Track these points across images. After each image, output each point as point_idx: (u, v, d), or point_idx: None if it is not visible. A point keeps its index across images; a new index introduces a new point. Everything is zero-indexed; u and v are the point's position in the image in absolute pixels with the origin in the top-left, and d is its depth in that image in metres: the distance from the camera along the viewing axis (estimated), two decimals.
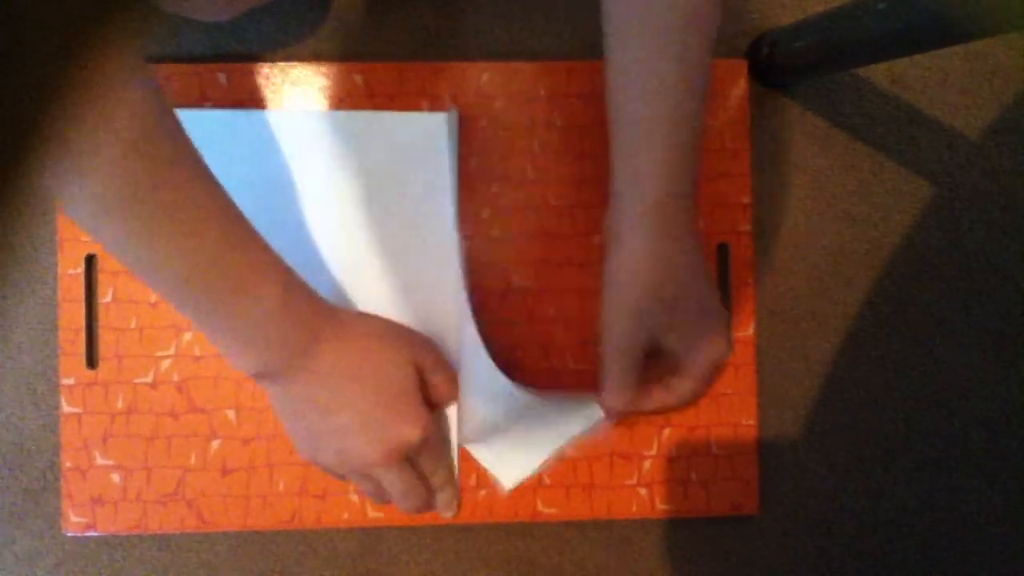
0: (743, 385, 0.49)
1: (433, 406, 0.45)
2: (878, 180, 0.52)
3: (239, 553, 0.49)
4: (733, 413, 0.49)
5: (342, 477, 0.44)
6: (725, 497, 0.49)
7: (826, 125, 0.52)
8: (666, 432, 0.49)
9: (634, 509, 0.48)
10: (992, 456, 0.51)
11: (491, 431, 0.47)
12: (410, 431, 0.41)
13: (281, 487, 0.48)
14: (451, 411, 0.47)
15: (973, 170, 0.52)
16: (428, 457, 0.44)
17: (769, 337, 0.51)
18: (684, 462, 0.49)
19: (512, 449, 0.47)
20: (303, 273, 0.41)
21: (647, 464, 0.49)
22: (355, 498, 0.48)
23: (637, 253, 0.41)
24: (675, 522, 0.50)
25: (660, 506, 0.48)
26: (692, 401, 0.46)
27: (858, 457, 0.51)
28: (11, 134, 0.13)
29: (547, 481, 0.48)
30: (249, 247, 0.38)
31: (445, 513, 0.47)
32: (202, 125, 0.38)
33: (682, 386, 0.44)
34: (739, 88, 0.50)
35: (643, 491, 0.48)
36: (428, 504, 0.45)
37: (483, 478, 0.48)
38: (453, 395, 0.46)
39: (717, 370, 0.45)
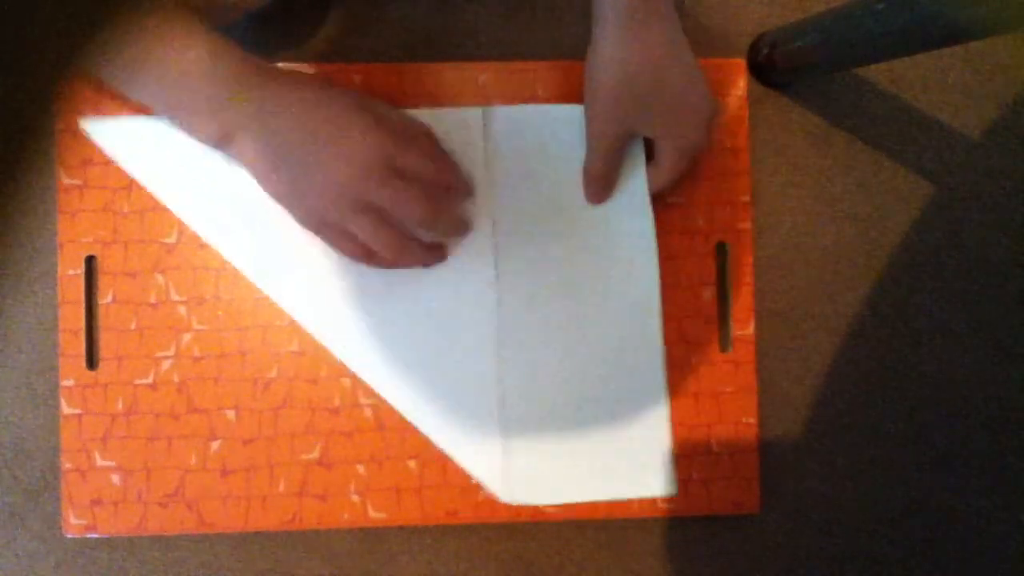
0: (743, 384, 0.49)
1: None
2: (878, 180, 0.52)
3: (239, 553, 0.49)
4: (734, 412, 0.49)
5: (340, 229, 0.44)
6: (726, 496, 0.49)
7: (826, 125, 0.52)
8: None
9: (635, 508, 0.48)
10: (992, 456, 0.52)
11: (538, 433, 0.47)
12: (376, 135, 0.42)
13: (281, 488, 0.47)
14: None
15: (973, 170, 0.52)
16: (413, 157, 0.43)
17: (769, 337, 0.51)
18: (685, 461, 0.49)
19: (551, 471, 0.47)
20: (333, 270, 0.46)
21: None
22: (355, 498, 0.48)
23: (612, 44, 0.42)
24: (675, 521, 0.50)
25: (661, 505, 0.48)
26: (667, 188, 0.47)
27: (858, 457, 0.51)
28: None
29: None
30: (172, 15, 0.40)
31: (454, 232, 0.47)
32: None
33: (654, 174, 0.46)
34: (738, 88, 0.50)
35: None
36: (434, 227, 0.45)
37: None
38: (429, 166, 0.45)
39: (691, 160, 0.46)
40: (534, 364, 0.48)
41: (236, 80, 0.41)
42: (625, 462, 0.47)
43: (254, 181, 0.43)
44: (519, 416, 0.47)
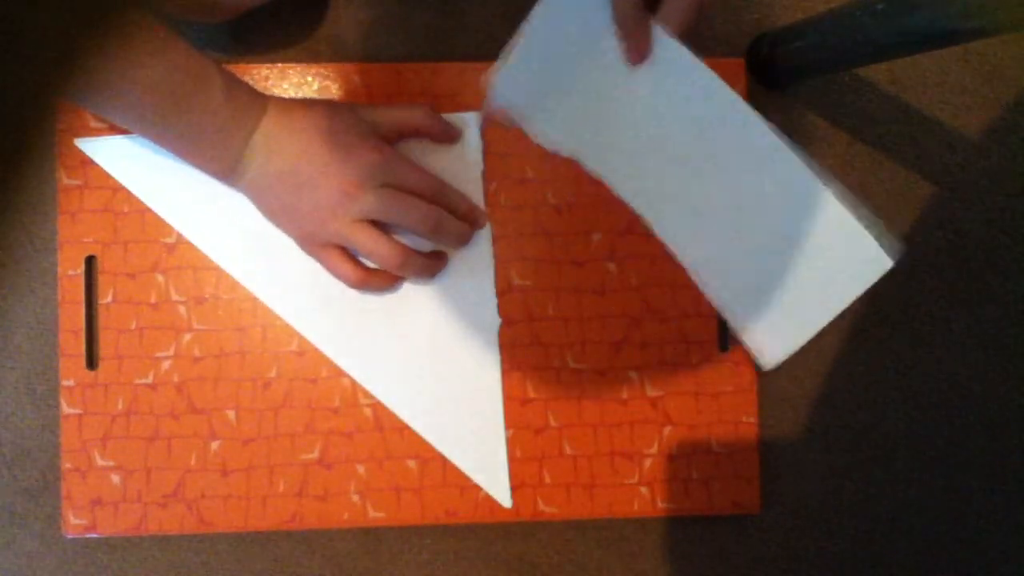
0: (744, 383, 0.49)
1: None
2: (878, 180, 0.52)
3: (239, 553, 0.49)
4: (734, 411, 0.49)
5: (339, 248, 0.45)
6: (726, 495, 0.49)
7: (826, 125, 0.52)
8: (667, 430, 0.49)
9: (635, 508, 0.48)
10: (992, 456, 0.52)
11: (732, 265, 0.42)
12: (369, 154, 0.43)
13: (281, 488, 0.47)
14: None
15: (973, 170, 0.52)
16: (407, 173, 0.45)
17: None
18: (685, 460, 0.49)
19: (779, 304, 0.42)
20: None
21: (648, 463, 0.49)
22: (355, 498, 0.48)
23: None
24: (676, 521, 0.50)
25: (661, 505, 0.48)
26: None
27: (858, 457, 0.51)
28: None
29: (548, 480, 0.48)
30: (191, 62, 0.40)
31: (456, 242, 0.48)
32: None
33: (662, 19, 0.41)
34: (738, 88, 0.50)
35: (644, 490, 0.48)
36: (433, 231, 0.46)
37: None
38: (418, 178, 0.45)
39: (698, 10, 0.41)
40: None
41: (247, 113, 0.42)
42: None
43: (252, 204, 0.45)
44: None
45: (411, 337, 0.48)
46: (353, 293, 0.47)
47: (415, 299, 0.48)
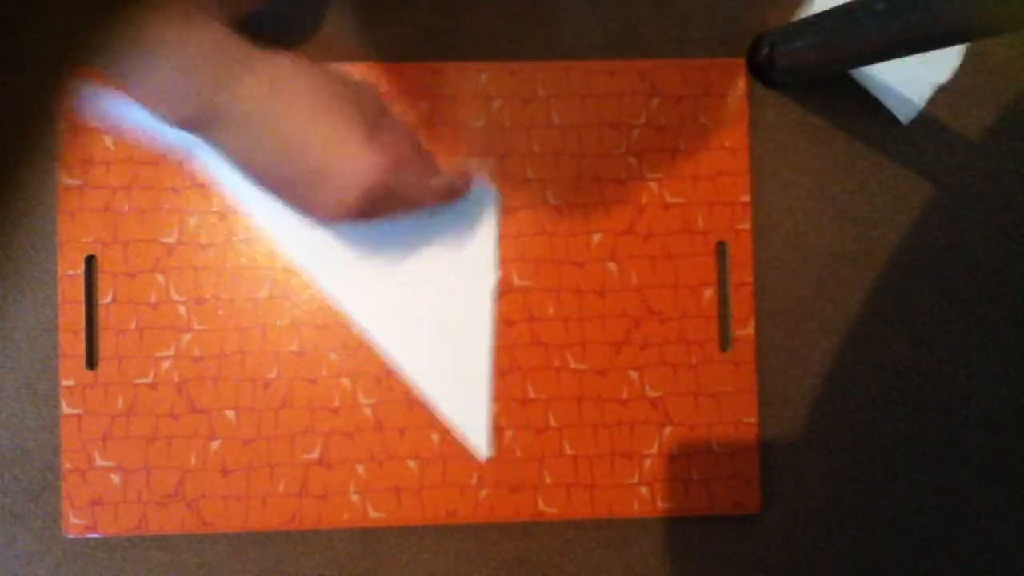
0: (744, 383, 0.49)
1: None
2: (878, 180, 0.52)
3: (239, 553, 0.49)
4: (734, 411, 0.49)
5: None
6: (726, 496, 0.49)
7: (826, 125, 0.52)
8: (667, 431, 0.49)
9: (635, 508, 0.48)
10: (992, 456, 0.52)
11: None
12: (372, 158, 0.38)
13: (281, 488, 0.48)
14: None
15: (973, 170, 0.52)
16: (416, 175, 0.41)
17: (769, 337, 0.51)
18: (685, 461, 0.49)
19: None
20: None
21: (648, 463, 0.49)
22: (355, 498, 0.48)
23: None
24: (676, 521, 0.50)
25: (661, 505, 0.48)
26: None
27: (858, 457, 0.51)
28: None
29: (548, 480, 0.48)
30: None
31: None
32: None
33: None
34: (738, 88, 0.50)
35: (644, 490, 0.48)
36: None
37: (483, 477, 0.48)
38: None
39: None
40: None
41: (233, 61, 0.37)
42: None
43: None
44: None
45: (412, 285, 0.48)
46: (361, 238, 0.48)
47: (420, 250, 0.48)
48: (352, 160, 0.38)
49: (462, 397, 0.48)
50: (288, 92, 0.37)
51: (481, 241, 0.49)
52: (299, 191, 0.39)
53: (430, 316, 0.48)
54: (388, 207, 0.41)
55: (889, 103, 0.51)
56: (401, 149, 0.40)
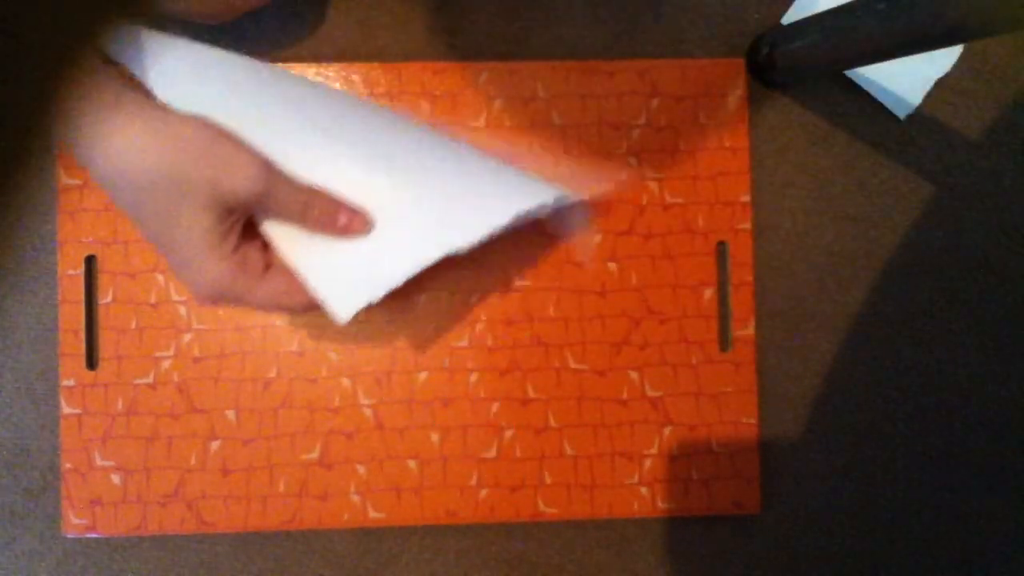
0: (744, 383, 0.49)
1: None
2: (878, 180, 0.52)
3: (239, 553, 0.49)
4: (734, 411, 0.49)
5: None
6: (726, 496, 0.49)
7: (826, 125, 0.52)
8: (667, 431, 0.49)
9: (635, 508, 0.48)
10: (992, 456, 0.52)
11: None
12: (214, 270, 0.34)
13: (281, 488, 0.48)
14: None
15: (973, 170, 0.52)
16: (270, 295, 0.36)
17: (769, 337, 0.51)
18: (685, 461, 0.49)
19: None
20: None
21: (648, 463, 0.49)
22: (355, 498, 0.48)
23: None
24: (676, 521, 0.50)
25: (661, 505, 0.48)
26: None
27: (858, 457, 0.51)
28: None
29: (548, 480, 0.48)
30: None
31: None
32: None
33: None
34: (738, 88, 0.50)
35: (644, 490, 0.48)
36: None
37: (483, 478, 0.48)
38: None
39: None
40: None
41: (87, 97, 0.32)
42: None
43: None
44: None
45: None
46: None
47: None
48: (191, 273, 0.34)
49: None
50: (133, 172, 0.32)
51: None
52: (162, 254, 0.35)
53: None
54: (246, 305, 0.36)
55: (885, 99, 0.51)
56: (236, 271, 0.35)
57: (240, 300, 0.36)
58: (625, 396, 0.49)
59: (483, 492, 0.48)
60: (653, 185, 0.49)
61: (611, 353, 0.49)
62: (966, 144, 0.52)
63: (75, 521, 0.47)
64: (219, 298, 0.35)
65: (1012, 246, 0.52)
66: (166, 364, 0.48)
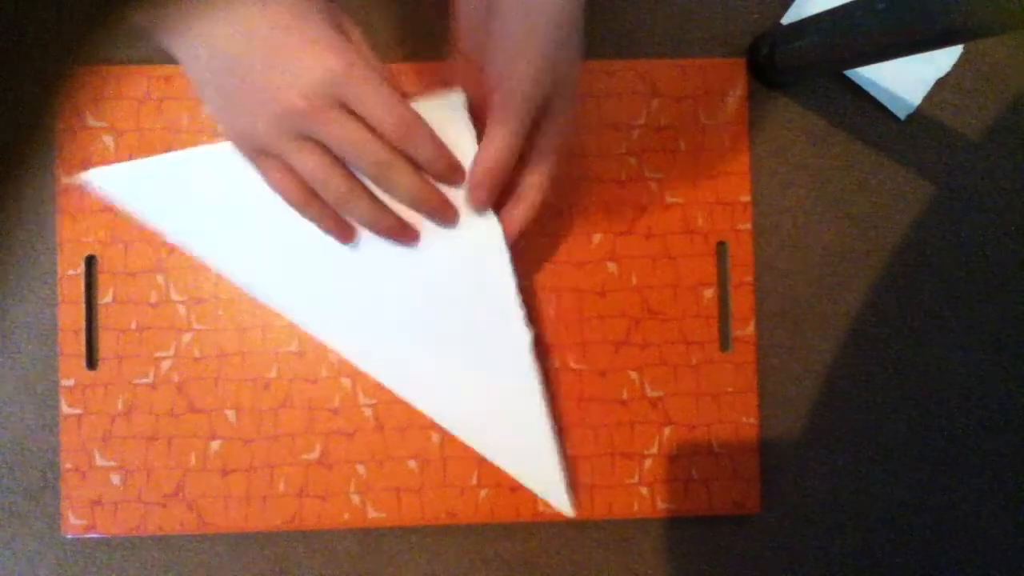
0: (744, 383, 0.49)
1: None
2: (878, 180, 0.52)
3: (239, 553, 0.49)
4: (734, 411, 0.49)
5: (277, 160, 0.38)
6: (726, 496, 0.49)
7: (826, 125, 0.52)
8: (667, 431, 0.49)
9: (635, 508, 0.48)
10: (992, 456, 0.52)
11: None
12: (328, 58, 0.35)
13: (281, 488, 0.48)
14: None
15: (973, 170, 0.52)
16: (370, 97, 0.36)
17: (769, 337, 0.51)
18: (685, 461, 0.49)
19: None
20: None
21: (648, 463, 0.49)
22: (355, 498, 0.48)
23: None
24: (676, 521, 0.50)
25: (661, 505, 0.48)
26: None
27: (858, 457, 0.51)
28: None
29: None
30: None
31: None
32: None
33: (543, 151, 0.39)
34: (739, 88, 0.50)
35: (644, 490, 0.48)
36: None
37: (483, 477, 0.48)
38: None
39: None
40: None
41: None
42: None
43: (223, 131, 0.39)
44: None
45: (435, 345, 0.44)
46: (370, 292, 0.43)
47: (438, 302, 0.44)
48: (309, 45, 0.35)
49: (526, 456, 0.45)
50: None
51: (499, 290, 0.43)
52: (248, 77, 0.36)
53: (465, 377, 0.44)
54: (336, 121, 0.36)
55: (885, 99, 0.51)
56: (359, 58, 0.36)
57: (345, 88, 0.36)
58: (625, 396, 0.49)
59: (483, 492, 0.48)
60: (653, 185, 0.49)
61: (611, 353, 0.49)
62: (966, 144, 0.52)
63: (75, 521, 0.47)
64: (330, 88, 0.35)
65: (1012, 246, 0.52)
66: (166, 364, 0.48)
